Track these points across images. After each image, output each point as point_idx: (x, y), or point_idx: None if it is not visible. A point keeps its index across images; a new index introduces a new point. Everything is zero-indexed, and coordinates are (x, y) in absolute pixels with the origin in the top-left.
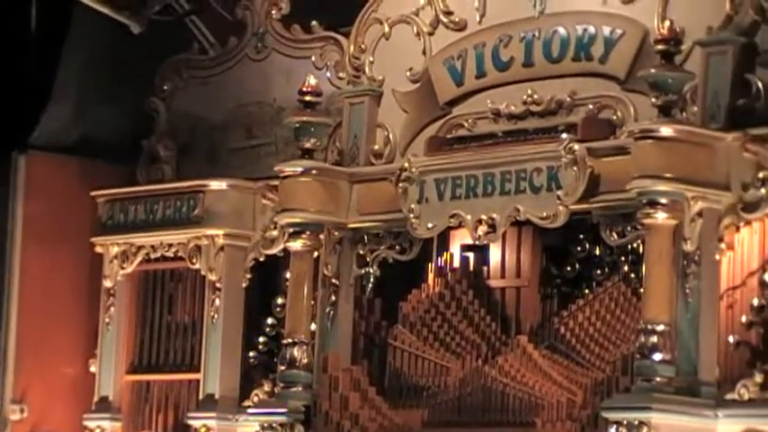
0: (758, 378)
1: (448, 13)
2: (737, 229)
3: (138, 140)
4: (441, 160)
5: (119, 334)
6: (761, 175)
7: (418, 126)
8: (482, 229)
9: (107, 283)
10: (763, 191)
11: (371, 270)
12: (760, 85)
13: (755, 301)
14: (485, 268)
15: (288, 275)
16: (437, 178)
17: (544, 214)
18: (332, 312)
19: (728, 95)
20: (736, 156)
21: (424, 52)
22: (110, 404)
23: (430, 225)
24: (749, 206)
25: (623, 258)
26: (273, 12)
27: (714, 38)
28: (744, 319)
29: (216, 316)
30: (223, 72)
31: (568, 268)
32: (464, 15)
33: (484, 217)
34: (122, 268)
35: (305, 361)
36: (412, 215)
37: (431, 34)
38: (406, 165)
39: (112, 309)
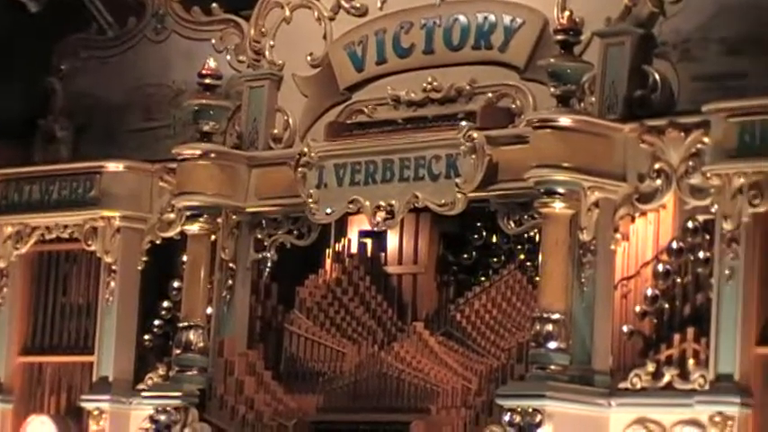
0: (650, 367)
1: None
2: (633, 219)
3: (34, 120)
4: (340, 146)
5: (11, 315)
6: (657, 166)
7: (318, 111)
8: (380, 215)
9: (0, 264)
10: (658, 182)
11: (269, 255)
12: (657, 76)
13: (649, 291)
14: (382, 254)
15: (185, 259)
16: (336, 164)
17: (442, 201)
18: (228, 296)
19: (626, 86)
20: (633, 146)
21: (324, 37)
22: (1, 386)
23: (328, 210)
24: (645, 197)
25: (520, 247)
26: None
27: (612, 29)
28: (637, 308)
29: (111, 298)
30: (122, 53)
31: (465, 256)
32: (365, 1)
33: (382, 203)
34: (16, 249)
35: (200, 345)
36: (310, 200)
37: (332, 19)
38: (306, 150)
39: (5, 289)
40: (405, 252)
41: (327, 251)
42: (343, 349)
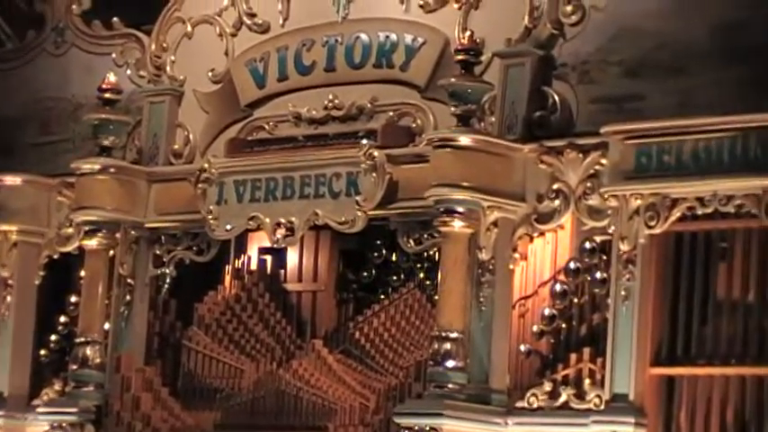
0: (547, 386)
1: (251, 15)
2: (531, 239)
3: None
4: (241, 162)
5: None
6: (555, 186)
7: (219, 127)
8: (280, 232)
9: None
10: (556, 202)
11: (168, 270)
12: (556, 97)
13: (547, 311)
14: (282, 272)
15: (82, 274)
16: (237, 180)
17: (342, 219)
18: (126, 312)
19: (526, 107)
20: (532, 167)
21: (226, 53)
22: None
23: (228, 227)
24: (543, 217)
25: (419, 265)
26: (74, 6)
27: (513, 50)
28: (535, 328)
29: (7, 313)
30: (21, 66)
31: (365, 274)
32: (267, 18)
33: (282, 220)
34: None
35: (97, 360)
36: (210, 216)
37: (234, 35)
38: (206, 165)
39: None
40: (304, 269)
41: (227, 268)
42: (241, 366)
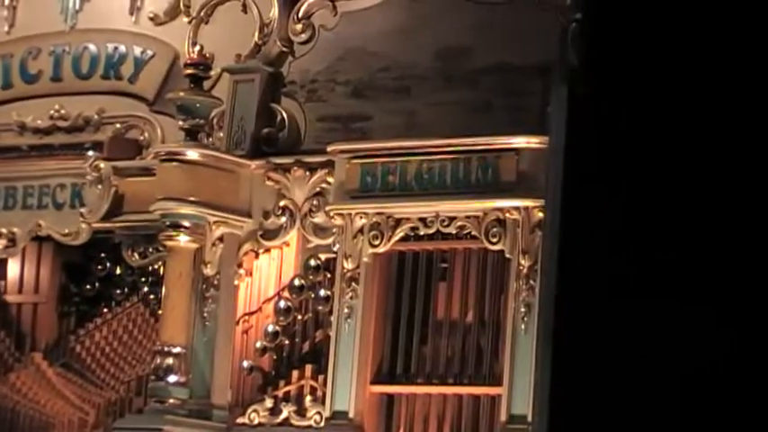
0: (269, 403)
1: None
2: (257, 255)
3: None
4: None
5: None
6: (282, 203)
7: None
8: (1, 242)
9: None
10: (283, 219)
11: None
12: (285, 114)
13: (270, 327)
14: (2, 282)
15: None
16: None
17: (66, 231)
18: None
19: (254, 123)
20: (259, 183)
21: None
22: None
23: None
24: (269, 233)
25: (144, 279)
26: None
27: (242, 66)
28: (258, 344)
29: None
30: None
31: (88, 287)
32: None
33: (4, 230)
34: None
35: None
36: None
37: None
38: None
39: None
40: (25, 281)
41: None
42: None
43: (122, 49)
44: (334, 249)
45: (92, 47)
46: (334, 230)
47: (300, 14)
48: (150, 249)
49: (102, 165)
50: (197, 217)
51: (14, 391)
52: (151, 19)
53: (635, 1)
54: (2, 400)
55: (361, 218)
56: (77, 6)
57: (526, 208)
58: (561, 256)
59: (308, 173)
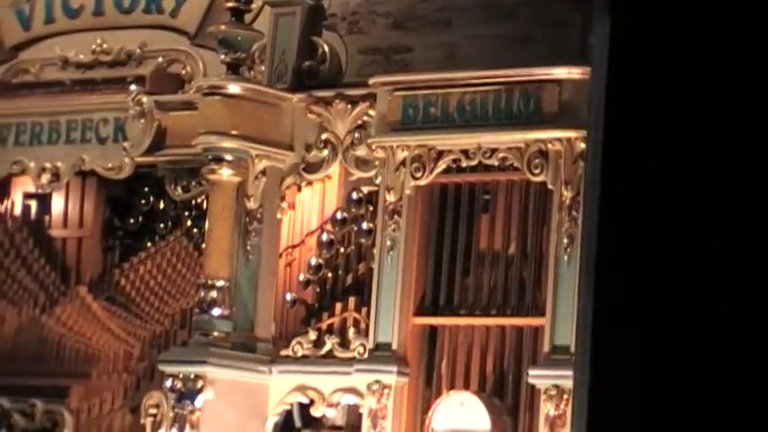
0: (312, 335)
1: None
2: (299, 188)
3: None
4: (5, 105)
5: None
6: (323, 136)
7: None
8: (45, 177)
9: None
10: (325, 152)
11: None
12: (326, 47)
13: (313, 260)
14: (47, 217)
15: None
16: (1, 123)
17: (109, 165)
18: None
19: (296, 56)
20: (301, 116)
21: None
22: None
23: None
24: (311, 166)
25: (187, 213)
26: None
27: None
28: (301, 277)
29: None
30: None
31: (132, 221)
32: None
33: (48, 165)
34: None
35: None
36: None
37: None
38: None
39: None
40: (70, 215)
41: None
42: (3, 312)
43: None
44: (377, 182)
45: None
46: (376, 163)
47: None
48: (193, 183)
49: (144, 99)
50: (239, 151)
51: (60, 325)
52: None
53: None
54: (48, 334)
55: (402, 150)
56: None
57: (568, 139)
58: (604, 187)
59: (349, 105)
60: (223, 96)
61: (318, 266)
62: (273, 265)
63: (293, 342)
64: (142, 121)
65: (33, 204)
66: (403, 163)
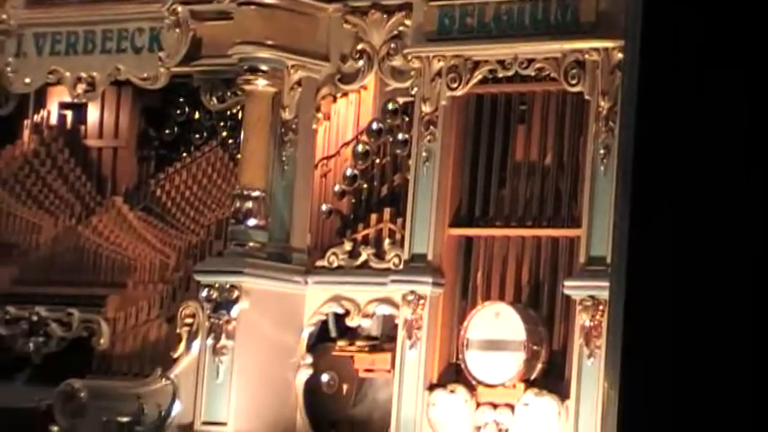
0: (347, 246)
1: None
2: (335, 99)
3: None
4: (41, 14)
5: None
6: (359, 46)
7: None
8: (81, 86)
9: None
10: (360, 63)
11: None
12: None
13: (348, 171)
14: (82, 127)
15: None
16: (36, 33)
17: (145, 75)
18: None
19: None
20: (337, 26)
21: None
22: None
23: (27, 80)
24: (346, 77)
25: (222, 123)
26: None
27: None
28: (337, 188)
29: None
30: None
31: (167, 131)
32: None
33: (83, 75)
34: None
35: None
36: (9, 69)
37: None
38: (5, 17)
39: None
40: (105, 125)
41: (25, 122)
42: (39, 222)
43: None
44: (412, 93)
45: None
46: (412, 73)
47: None
48: (228, 93)
49: (179, 8)
50: (275, 61)
51: (96, 234)
52: None
53: None
54: (84, 243)
55: (438, 60)
56: None
57: (605, 49)
58: (640, 97)
59: (385, 15)
60: (258, 6)
61: (354, 177)
62: (309, 176)
63: (328, 253)
64: (177, 30)
65: (69, 114)
66: (439, 73)
